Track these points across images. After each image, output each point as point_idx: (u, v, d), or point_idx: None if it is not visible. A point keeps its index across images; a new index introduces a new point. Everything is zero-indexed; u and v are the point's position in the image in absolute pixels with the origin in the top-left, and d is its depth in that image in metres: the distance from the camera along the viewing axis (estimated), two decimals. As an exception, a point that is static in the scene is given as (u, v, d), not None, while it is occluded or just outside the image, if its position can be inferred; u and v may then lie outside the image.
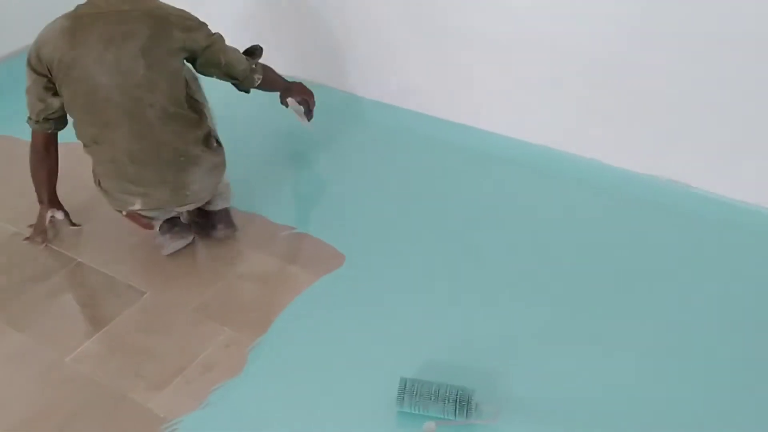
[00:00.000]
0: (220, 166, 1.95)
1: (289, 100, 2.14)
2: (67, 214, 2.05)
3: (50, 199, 2.01)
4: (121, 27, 1.70)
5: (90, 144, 1.83)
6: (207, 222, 2.03)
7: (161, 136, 1.79)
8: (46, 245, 2.03)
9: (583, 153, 2.25)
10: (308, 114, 2.20)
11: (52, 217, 2.02)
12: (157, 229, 1.97)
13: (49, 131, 1.87)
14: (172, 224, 1.97)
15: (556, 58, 2.15)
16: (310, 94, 2.18)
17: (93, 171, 1.92)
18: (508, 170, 2.27)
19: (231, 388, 1.62)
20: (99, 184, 1.91)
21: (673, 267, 1.88)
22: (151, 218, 1.96)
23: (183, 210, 1.98)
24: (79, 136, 1.84)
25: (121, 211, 1.94)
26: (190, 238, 2.00)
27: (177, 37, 1.75)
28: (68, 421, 1.56)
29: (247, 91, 2.00)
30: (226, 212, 2.04)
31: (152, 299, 1.86)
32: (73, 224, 2.06)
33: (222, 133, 1.99)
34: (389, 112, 2.56)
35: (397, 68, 2.51)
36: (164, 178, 1.84)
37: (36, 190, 1.99)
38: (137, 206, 1.88)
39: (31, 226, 2.06)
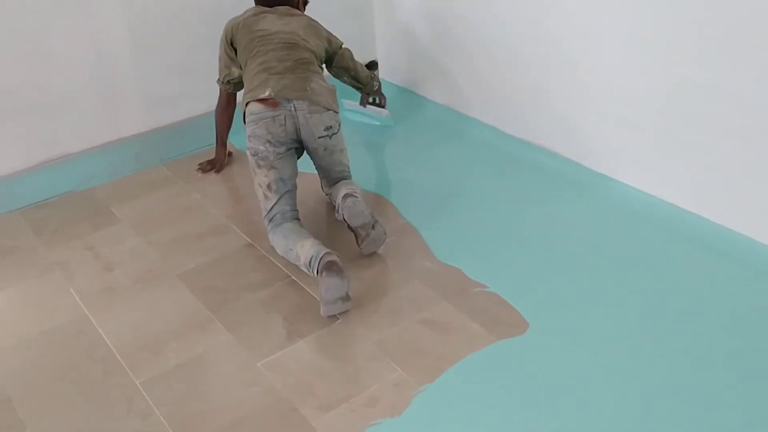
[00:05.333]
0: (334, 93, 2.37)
1: (370, 106, 2.96)
2: (230, 154, 2.87)
3: (225, 142, 2.80)
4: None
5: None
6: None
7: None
8: (214, 173, 2.80)
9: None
10: (382, 108, 2.96)
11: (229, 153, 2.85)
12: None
13: (230, 91, 2.61)
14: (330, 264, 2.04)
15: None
16: (385, 98, 2.96)
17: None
18: (730, 265, 2.10)
19: (388, 426, 1.70)
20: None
21: None
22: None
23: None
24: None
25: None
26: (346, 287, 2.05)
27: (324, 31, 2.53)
28: (238, 422, 1.75)
29: (367, 94, 2.84)
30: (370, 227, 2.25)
31: (341, 327, 2.02)
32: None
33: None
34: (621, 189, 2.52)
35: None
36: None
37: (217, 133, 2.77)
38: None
39: (207, 161, 2.82)
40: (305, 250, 2.08)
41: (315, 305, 2.07)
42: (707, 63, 2.12)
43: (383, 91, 2.97)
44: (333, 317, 2.04)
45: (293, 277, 2.21)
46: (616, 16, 2.34)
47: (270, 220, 2.22)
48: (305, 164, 2.39)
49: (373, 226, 2.22)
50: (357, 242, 2.24)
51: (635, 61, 2.33)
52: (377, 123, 3.07)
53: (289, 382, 1.85)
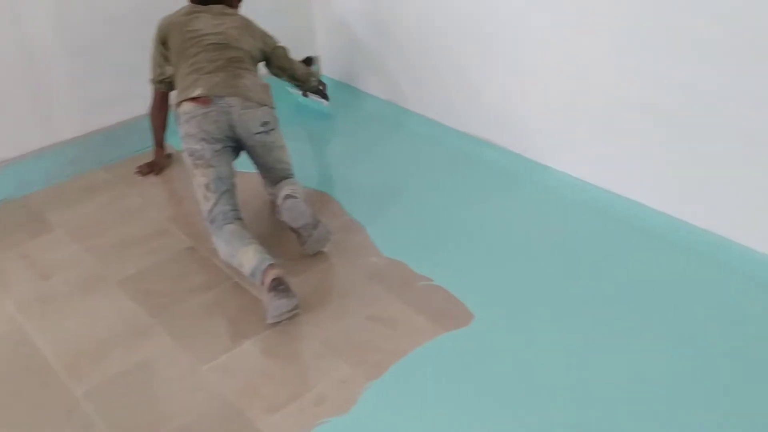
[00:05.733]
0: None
1: (310, 94, 3.01)
2: (170, 156, 2.82)
3: (162, 143, 2.77)
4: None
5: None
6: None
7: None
8: (154, 175, 2.77)
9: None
10: (324, 98, 3.01)
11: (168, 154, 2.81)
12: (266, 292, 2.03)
13: (164, 90, 2.58)
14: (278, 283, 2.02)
15: None
16: (325, 85, 2.98)
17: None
18: (670, 251, 2.15)
19: (335, 424, 1.69)
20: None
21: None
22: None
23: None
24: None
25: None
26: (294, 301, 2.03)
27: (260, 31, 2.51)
28: (183, 429, 1.71)
29: (305, 91, 2.92)
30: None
31: (287, 327, 2.00)
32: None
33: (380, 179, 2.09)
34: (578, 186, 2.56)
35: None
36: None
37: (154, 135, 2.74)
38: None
39: (146, 163, 2.78)
40: (248, 257, 2.05)
41: (260, 306, 2.04)
42: (637, 49, 2.16)
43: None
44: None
45: (236, 279, 2.18)
46: (544, 9, 2.37)
47: (212, 222, 2.18)
48: (249, 165, 2.36)
49: (316, 226, 2.20)
50: (300, 243, 2.22)
51: (567, 51, 2.36)
52: (321, 107, 3.10)
53: (234, 385, 1.82)
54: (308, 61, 2.92)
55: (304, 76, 2.75)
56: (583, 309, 1.97)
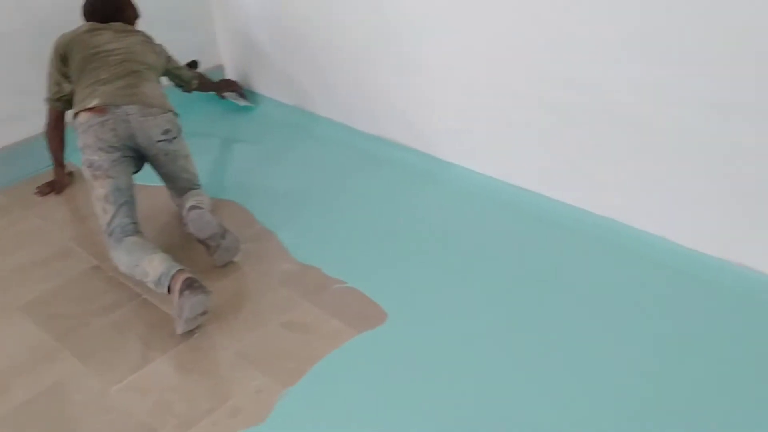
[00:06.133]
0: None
1: (226, 94, 3.15)
2: (71, 174, 2.73)
3: (62, 162, 2.67)
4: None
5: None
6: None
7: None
8: (54, 194, 2.67)
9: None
10: (242, 96, 3.19)
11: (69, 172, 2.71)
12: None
13: (60, 109, 2.48)
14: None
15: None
16: (236, 84, 3.18)
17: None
18: (571, 238, 2.23)
19: (252, 434, 1.68)
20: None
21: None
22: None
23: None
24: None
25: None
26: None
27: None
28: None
29: (189, 92, 2.83)
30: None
31: (199, 340, 1.96)
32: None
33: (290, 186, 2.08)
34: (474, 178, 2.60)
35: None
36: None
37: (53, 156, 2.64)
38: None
39: (46, 183, 2.68)
40: (154, 265, 2.00)
41: (170, 322, 2.00)
42: (530, 46, 2.23)
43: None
44: (190, 331, 1.98)
45: (145, 296, 2.13)
46: (442, 9, 2.41)
47: (110, 235, 2.12)
48: (155, 178, 2.31)
49: (224, 236, 2.17)
50: (209, 254, 2.19)
51: (464, 51, 2.41)
52: (241, 105, 3.22)
53: (146, 404, 1.78)
54: (193, 65, 2.97)
55: (189, 79, 2.79)
56: (496, 302, 2.02)
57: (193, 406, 1.76)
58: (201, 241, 2.17)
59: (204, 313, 1.97)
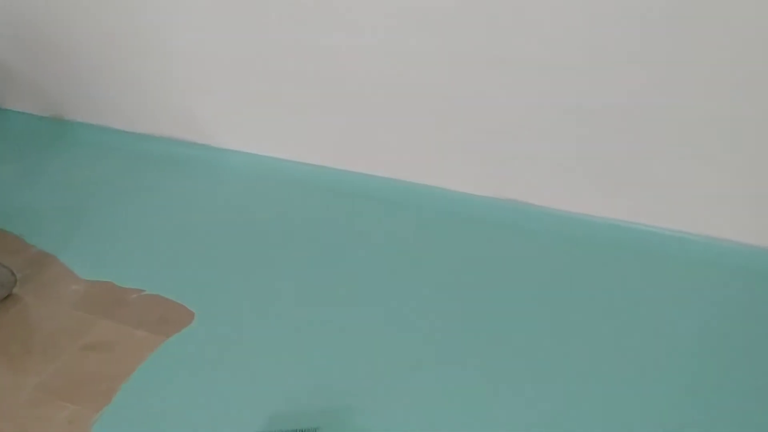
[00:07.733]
0: None
1: None
2: None
3: None
4: None
5: None
6: None
7: None
8: None
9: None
10: None
11: None
12: None
13: None
14: None
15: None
16: None
17: None
18: (366, 205, 2.31)
19: (73, 467, 1.57)
20: None
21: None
22: None
23: None
24: None
25: None
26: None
27: None
28: None
29: None
30: None
31: (-10, 384, 1.79)
32: None
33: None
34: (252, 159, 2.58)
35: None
36: None
37: None
38: None
39: None
40: None
41: (-50, 372, 1.80)
42: (295, 22, 2.25)
43: None
44: (-24, 378, 1.80)
45: None
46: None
47: None
48: None
49: None
50: None
51: (220, 35, 2.36)
52: None
53: (-60, 468, 1.60)
54: None
55: None
56: (294, 278, 2.05)
57: (-1, 456, 1.61)
58: None
59: None
